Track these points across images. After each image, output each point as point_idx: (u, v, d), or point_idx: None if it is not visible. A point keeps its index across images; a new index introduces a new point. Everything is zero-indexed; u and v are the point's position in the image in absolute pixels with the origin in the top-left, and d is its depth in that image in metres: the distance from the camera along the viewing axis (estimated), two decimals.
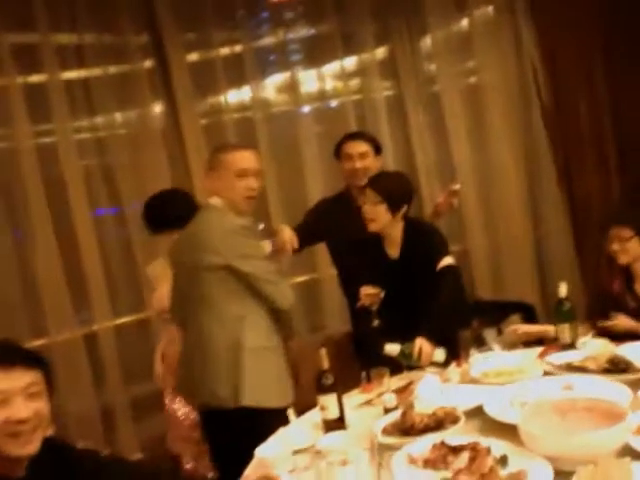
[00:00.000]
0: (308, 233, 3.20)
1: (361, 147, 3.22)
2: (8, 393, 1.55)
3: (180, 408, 3.07)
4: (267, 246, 2.77)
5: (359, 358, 3.19)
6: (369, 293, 2.80)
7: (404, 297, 2.79)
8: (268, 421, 2.29)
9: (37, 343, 3.50)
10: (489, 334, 2.93)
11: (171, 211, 2.96)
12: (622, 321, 2.64)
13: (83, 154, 3.86)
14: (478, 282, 4.44)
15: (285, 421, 2.35)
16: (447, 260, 2.77)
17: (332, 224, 3.26)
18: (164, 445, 3.13)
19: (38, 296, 3.64)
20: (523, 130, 4.56)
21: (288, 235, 2.89)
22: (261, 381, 2.50)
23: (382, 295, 2.79)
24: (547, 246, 4.53)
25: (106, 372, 3.76)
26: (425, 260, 2.76)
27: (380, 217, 2.80)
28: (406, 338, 2.60)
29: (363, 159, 3.20)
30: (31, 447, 1.59)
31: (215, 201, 2.59)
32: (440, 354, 2.55)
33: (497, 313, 3.28)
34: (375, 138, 3.41)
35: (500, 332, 3.02)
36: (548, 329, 2.71)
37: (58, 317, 3.64)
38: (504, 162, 4.52)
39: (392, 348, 2.55)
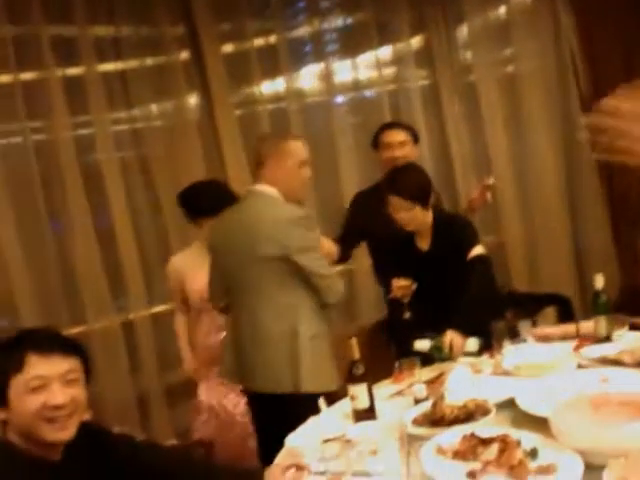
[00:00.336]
0: (351, 235, 3.26)
1: (400, 136, 3.26)
2: (46, 379, 1.60)
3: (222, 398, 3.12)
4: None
5: (392, 348, 3.20)
6: (401, 285, 2.81)
7: (436, 289, 2.78)
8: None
9: (76, 330, 3.58)
10: (523, 326, 2.90)
11: (206, 200, 3.02)
12: None
13: (120, 145, 3.91)
14: (514, 274, 4.39)
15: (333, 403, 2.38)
16: (477, 250, 2.75)
17: (368, 216, 3.26)
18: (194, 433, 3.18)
19: (77, 285, 3.71)
20: (561, 120, 4.47)
21: (326, 248, 2.92)
22: (317, 367, 2.60)
23: (414, 287, 2.79)
24: (584, 238, 4.45)
25: (142, 359, 3.82)
26: (455, 251, 2.74)
27: (417, 218, 2.80)
28: (438, 330, 2.59)
29: (402, 147, 3.24)
30: (67, 433, 1.63)
31: (269, 190, 2.63)
32: (473, 344, 2.53)
33: (532, 305, 3.24)
34: (412, 127, 3.44)
35: (535, 324, 2.98)
36: (569, 329, 2.65)
37: (96, 305, 3.71)
38: (541, 152, 4.45)
39: (422, 344, 2.54)
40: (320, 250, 2.66)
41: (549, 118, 4.44)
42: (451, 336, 2.52)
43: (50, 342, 1.65)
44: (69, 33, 3.76)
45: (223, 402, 3.13)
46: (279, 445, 2.10)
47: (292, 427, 2.24)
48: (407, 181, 2.79)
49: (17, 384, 1.58)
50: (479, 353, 2.53)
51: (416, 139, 3.34)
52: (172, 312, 3.34)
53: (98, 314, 3.71)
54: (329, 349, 2.69)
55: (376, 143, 3.36)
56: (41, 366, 1.60)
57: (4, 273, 3.51)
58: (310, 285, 2.59)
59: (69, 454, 1.69)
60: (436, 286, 2.79)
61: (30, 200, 3.63)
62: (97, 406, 3.41)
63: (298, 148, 2.71)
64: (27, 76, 3.69)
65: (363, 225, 3.34)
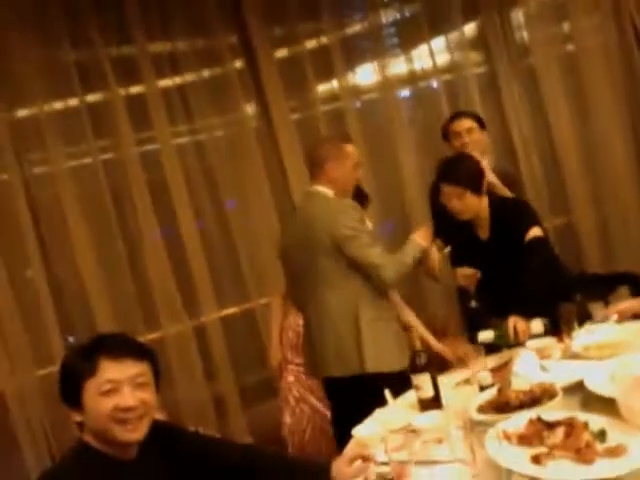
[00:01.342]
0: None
1: (467, 123, 3.37)
2: (117, 383, 1.66)
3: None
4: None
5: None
6: (465, 274, 2.82)
7: (500, 276, 2.74)
8: (388, 384, 2.36)
9: (151, 337, 3.72)
10: (595, 308, 2.81)
11: None
12: None
13: (183, 158, 4.03)
14: (585, 255, 4.26)
15: (403, 384, 2.39)
16: (534, 231, 2.70)
17: (436, 208, 3.28)
18: (278, 432, 3.25)
19: (150, 293, 3.85)
20: (627, 95, 4.30)
21: (435, 259, 2.96)
22: (379, 347, 2.71)
23: (478, 276, 2.78)
24: None
25: (216, 362, 3.92)
26: (515, 236, 2.70)
27: (470, 205, 2.78)
28: (505, 318, 2.55)
29: (470, 134, 3.35)
30: (138, 434, 1.69)
31: (325, 190, 2.81)
32: (537, 326, 2.48)
33: (604, 286, 3.13)
34: (477, 114, 3.54)
35: (607, 305, 2.89)
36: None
37: (169, 312, 3.84)
38: (609, 131, 4.30)
39: (486, 335, 2.50)
40: (366, 238, 2.72)
41: (614, 96, 4.28)
42: (514, 321, 2.47)
43: (121, 347, 1.71)
44: (128, 52, 3.92)
45: (308, 394, 3.22)
46: (351, 429, 2.15)
47: (362, 409, 2.28)
48: (455, 168, 2.79)
49: (91, 387, 1.64)
50: (546, 334, 2.47)
51: (483, 125, 3.43)
52: (242, 313, 3.42)
53: (171, 320, 3.85)
54: (393, 332, 2.78)
55: (446, 134, 3.46)
56: (113, 370, 1.66)
57: (81, 286, 3.70)
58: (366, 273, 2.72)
59: (143, 453, 1.76)
60: (501, 273, 2.75)
61: (102, 216, 3.80)
62: (174, 410, 3.54)
63: (354, 150, 2.96)
64: (92, 98, 3.86)
65: (434, 217, 3.38)
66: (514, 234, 2.71)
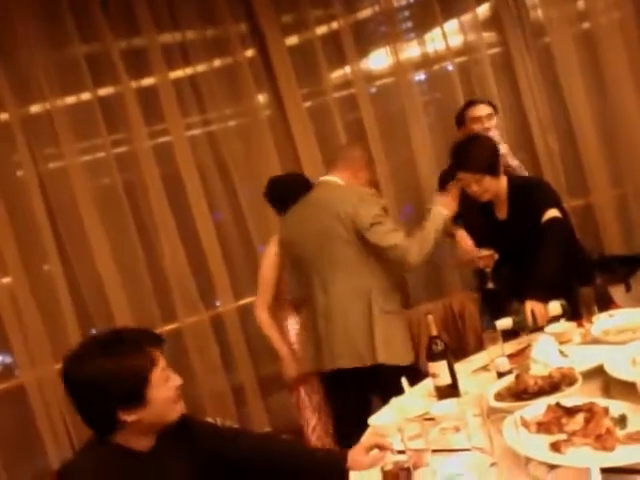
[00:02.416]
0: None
1: (486, 109, 3.47)
2: (166, 368, 1.72)
3: None
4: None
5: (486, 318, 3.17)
6: (483, 255, 2.81)
7: (517, 257, 2.72)
8: (397, 377, 2.34)
9: (169, 328, 3.74)
10: (616, 291, 2.77)
11: (294, 193, 3.10)
12: None
13: (197, 149, 4.02)
14: (605, 237, 4.18)
15: (412, 377, 2.39)
16: (551, 212, 2.65)
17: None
18: (296, 422, 3.24)
19: (167, 284, 3.86)
20: None
21: (465, 246, 3.01)
22: (390, 340, 2.72)
23: (496, 257, 2.76)
24: None
25: (233, 351, 3.93)
26: (534, 216, 2.66)
27: (489, 188, 2.75)
28: (522, 299, 2.51)
29: (490, 120, 3.44)
30: (183, 407, 1.76)
31: (335, 179, 2.88)
32: (555, 308, 2.44)
33: (624, 268, 3.08)
34: (491, 101, 3.66)
35: (629, 288, 2.84)
36: None
37: (186, 302, 3.85)
38: (627, 110, 4.19)
39: (504, 322, 2.47)
40: (390, 224, 2.74)
41: (632, 73, 4.17)
42: (531, 305, 2.43)
43: (153, 336, 1.76)
44: (138, 44, 3.90)
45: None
46: (360, 422, 2.13)
47: (369, 402, 2.27)
48: (470, 153, 2.74)
49: (155, 378, 1.67)
50: (564, 315, 2.43)
51: (496, 111, 3.54)
52: None
53: (188, 311, 3.86)
54: (403, 325, 2.81)
55: (461, 121, 3.53)
56: (161, 358, 1.71)
57: (98, 279, 3.71)
58: (384, 262, 2.72)
59: (160, 444, 1.77)
60: (518, 253, 2.73)
61: (117, 209, 3.81)
62: (194, 400, 3.55)
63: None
64: (103, 92, 3.87)
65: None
66: (533, 214, 2.66)
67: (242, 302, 3.96)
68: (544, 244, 2.56)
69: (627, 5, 4.16)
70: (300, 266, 2.91)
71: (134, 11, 3.81)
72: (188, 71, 4.03)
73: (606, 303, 2.60)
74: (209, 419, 2.31)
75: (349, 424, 2.25)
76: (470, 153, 2.74)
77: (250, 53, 4.17)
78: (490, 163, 2.72)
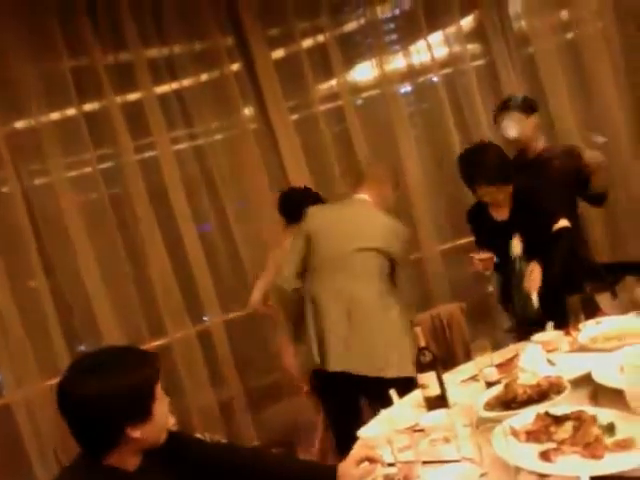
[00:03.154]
0: None
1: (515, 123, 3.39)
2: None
3: None
4: None
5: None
6: (482, 258, 2.82)
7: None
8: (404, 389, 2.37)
9: (156, 344, 3.70)
10: (602, 299, 2.77)
11: (306, 205, 3.17)
12: None
13: (183, 163, 4.00)
14: (593, 245, 4.19)
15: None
16: (563, 222, 2.73)
17: None
18: (285, 435, 3.22)
19: (154, 299, 3.83)
20: (629, 83, 4.24)
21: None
22: (404, 353, 2.77)
23: (495, 260, 2.79)
24: None
25: (221, 366, 3.90)
26: (540, 221, 2.73)
27: (506, 194, 2.82)
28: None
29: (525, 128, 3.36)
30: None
31: (368, 199, 3.02)
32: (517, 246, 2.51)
33: (611, 276, 3.08)
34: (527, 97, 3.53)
35: (615, 296, 2.84)
36: None
37: (173, 317, 3.82)
38: (612, 118, 4.23)
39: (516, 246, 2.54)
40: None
41: (616, 83, 4.20)
42: (532, 266, 2.51)
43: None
44: (123, 59, 3.89)
45: None
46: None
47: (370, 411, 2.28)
48: (485, 167, 2.78)
49: (158, 391, 1.66)
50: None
51: (534, 109, 3.41)
52: (245, 317, 3.40)
53: (175, 326, 3.82)
54: (412, 338, 2.83)
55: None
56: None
57: (85, 295, 3.67)
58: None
59: (146, 462, 1.74)
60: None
61: (103, 224, 3.78)
62: (182, 416, 3.52)
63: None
64: (89, 107, 3.85)
65: None
66: (540, 219, 2.74)
67: (230, 316, 3.93)
68: (554, 252, 2.66)
69: (609, 14, 4.19)
70: (321, 261, 2.93)
71: (121, 26, 3.79)
72: (174, 85, 4.02)
73: (593, 311, 2.61)
74: (198, 435, 2.28)
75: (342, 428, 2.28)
76: (485, 166, 2.79)
77: (236, 67, 4.17)
78: (505, 173, 2.79)
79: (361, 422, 2.32)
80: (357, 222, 2.94)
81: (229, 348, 3.88)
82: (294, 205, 3.26)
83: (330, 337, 2.85)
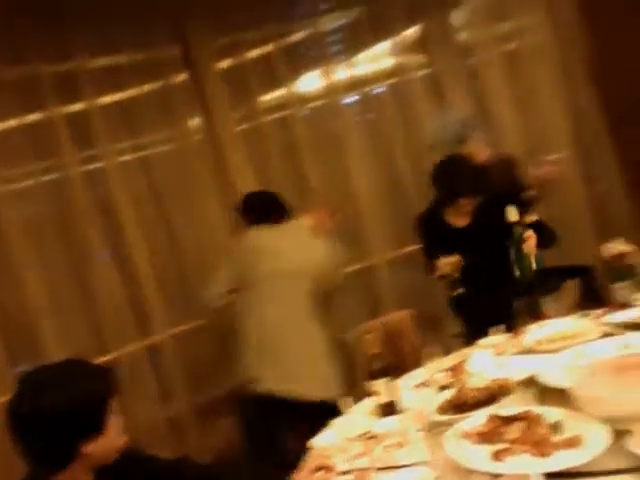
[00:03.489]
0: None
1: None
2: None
3: None
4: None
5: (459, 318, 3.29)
6: (450, 262, 2.86)
7: (483, 261, 2.88)
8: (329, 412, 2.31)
9: (103, 359, 3.61)
10: (545, 302, 2.85)
11: (275, 209, 3.24)
12: None
13: (129, 175, 3.95)
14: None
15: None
16: (533, 217, 2.88)
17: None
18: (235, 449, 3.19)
19: (100, 314, 3.74)
20: (570, 90, 4.39)
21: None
22: (335, 375, 2.84)
23: (462, 263, 2.85)
24: (604, 208, 4.35)
25: (170, 380, 3.84)
26: (496, 225, 2.78)
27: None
28: (491, 304, 2.73)
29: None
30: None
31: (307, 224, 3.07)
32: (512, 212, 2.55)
33: (553, 280, 3.17)
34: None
35: (557, 299, 2.93)
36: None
37: (120, 332, 3.74)
38: (552, 125, 4.38)
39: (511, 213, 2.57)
40: None
41: (554, 91, 4.35)
42: (529, 233, 2.56)
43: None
44: (67, 69, 3.81)
45: None
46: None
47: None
48: (472, 178, 2.93)
49: (114, 406, 1.63)
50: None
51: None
52: (194, 330, 3.36)
53: (123, 340, 3.75)
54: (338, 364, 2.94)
55: None
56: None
57: (27, 312, 3.56)
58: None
59: (100, 476, 1.71)
60: (483, 257, 2.89)
61: (47, 239, 3.68)
62: (130, 432, 3.43)
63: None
64: (31, 118, 3.75)
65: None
66: (504, 225, 2.77)
67: (178, 330, 3.87)
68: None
69: (548, 27, 4.34)
70: (249, 281, 2.95)
71: (64, 35, 3.72)
72: (120, 96, 3.97)
73: (538, 314, 2.68)
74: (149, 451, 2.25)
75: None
76: (479, 178, 2.94)
77: (182, 77, 4.14)
78: (480, 183, 2.94)
79: (281, 449, 2.33)
80: (289, 246, 2.99)
81: (178, 363, 3.82)
82: (256, 207, 3.29)
83: (254, 357, 2.87)
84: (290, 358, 2.79)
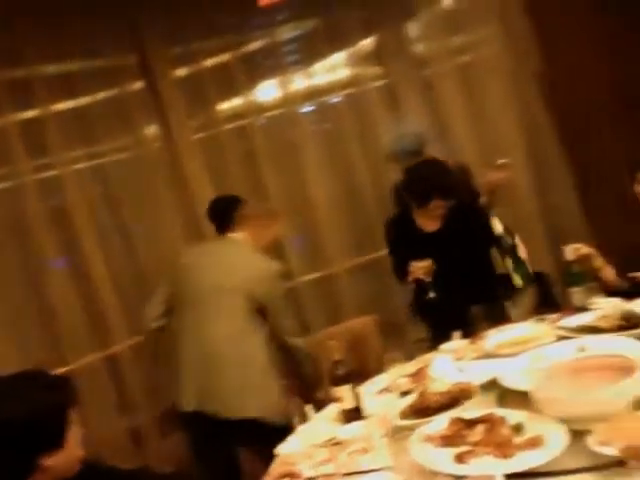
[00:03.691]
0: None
1: None
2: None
3: None
4: None
5: (423, 328, 3.33)
6: (422, 266, 2.90)
7: (449, 267, 2.91)
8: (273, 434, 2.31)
9: (60, 371, 3.53)
10: (507, 307, 2.92)
11: (220, 219, 3.10)
12: None
13: (85, 183, 3.89)
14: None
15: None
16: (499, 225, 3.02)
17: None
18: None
19: (56, 326, 3.67)
20: (520, 100, 4.50)
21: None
22: (267, 396, 2.73)
23: (434, 267, 2.89)
24: (556, 215, 4.47)
25: (130, 391, 3.78)
26: (474, 234, 2.92)
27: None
28: (463, 307, 2.78)
29: None
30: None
31: (246, 239, 2.93)
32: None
33: (512, 286, 3.24)
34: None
35: (514, 304, 3.01)
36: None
37: (77, 343, 3.67)
38: (505, 135, 4.46)
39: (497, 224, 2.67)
40: (288, 309, 2.93)
41: (507, 101, 4.45)
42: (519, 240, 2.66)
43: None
44: (20, 75, 3.74)
45: None
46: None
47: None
48: (444, 182, 2.94)
49: (73, 417, 1.59)
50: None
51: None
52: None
53: (80, 352, 3.68)
54: (279, 383, 2.83)
55: None
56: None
57: None
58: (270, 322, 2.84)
59: None
60: (451, 263, 2.92)
61: (1, 248, 3.60)
62: (89, 445, 3.36)
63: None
64: None
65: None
66: (475, 232, 2.94)
67: (137, 340, 3.80)
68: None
69: (501, 39, 4.45)
70: (183, 299, 2.88)
71: (16, 41, 3.64)
72: (74, 103, 3.91)
73: (504, 319, 2.76)
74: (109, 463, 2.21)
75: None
76: (451, 181, 2.97)
77: (138, 85, 4.10)
78: (452, 185, 2.98)
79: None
80: (223, 262, 2.89)
81: (137, 373, 3.76)
82: (222, 212, 3.19)
83: (185, 375, 2.80)
84: (227, 376, 2.71)
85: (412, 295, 3.27)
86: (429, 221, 3.01)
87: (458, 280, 2.94)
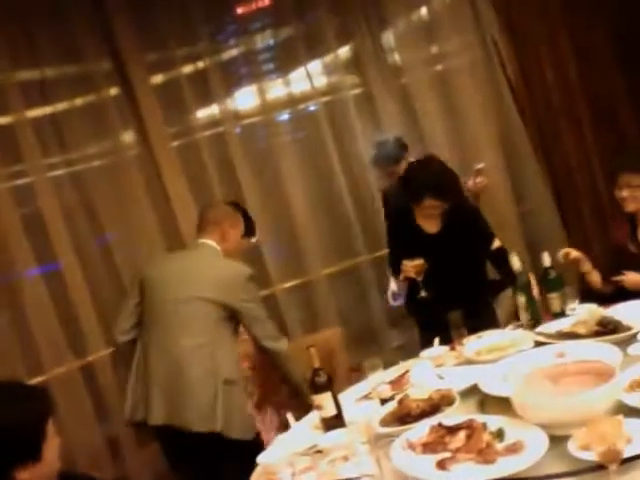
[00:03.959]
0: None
1: None
2: None
3: None
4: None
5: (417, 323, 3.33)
6: (414, 264, 2.91)
7: (447, 268, 2.96)
8: (239, 451, 2.35)
9: (35, 380, 3.48)
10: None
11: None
12: (631, 277, 2.62)
13: (60, 190, 3.83)
14: None
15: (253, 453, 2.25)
16: (498, 242, 3.08)
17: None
18: None
19: (31, 334, 3.60)
20: (495, 109, 4.55)
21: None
22: (232, 413, 2.66)
23: (426, 266, 2.91)
24: (532, 221, 4.52)
25: (106, 401, 3.72)
26: (474, 238, 2.99)
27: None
28: (454, 307, 2.92)
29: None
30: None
31: (215, 245, 2.86)
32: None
33: (493, 290, 3.26)
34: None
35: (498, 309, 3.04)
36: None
37: (53, 352, 3.62)
38: (480, 143, 4.50)
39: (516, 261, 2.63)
40: (264, 313, 2.85)
41: (482, 110, 4.50)
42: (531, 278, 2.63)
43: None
44: None
45: None
46: None
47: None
48: (441, 182, 2.96)
49: (50, 429, 1.57)
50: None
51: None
52: None
53: (55, 361, 3.62)
54: (244, 399, 2.79)
55: None
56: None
57: None
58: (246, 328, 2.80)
59: None
60: (447, 265, 2.96)
61: None
62: (66, 455, 3.32)
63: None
64: None
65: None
66: (474, 237, 3.02)
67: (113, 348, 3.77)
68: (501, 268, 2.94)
69: (477, 48, 4.50)
70: (151, 310, 2.82)
71: None
72: (48, 109, 3.85)
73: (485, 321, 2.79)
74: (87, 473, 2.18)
75: None
76: (441, 180, 2.98)
77: (114, 91, 4.05)
78: (451, 186, 3.03)
79: None
80: (191, 270, 2.80)
81: (114, 382, 3.69)
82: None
83: (152, 388, 2.73)
84: (193, 390, 2.65)
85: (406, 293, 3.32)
86: (428, 222, 3.02)
87: (451, 281, 2.96)
